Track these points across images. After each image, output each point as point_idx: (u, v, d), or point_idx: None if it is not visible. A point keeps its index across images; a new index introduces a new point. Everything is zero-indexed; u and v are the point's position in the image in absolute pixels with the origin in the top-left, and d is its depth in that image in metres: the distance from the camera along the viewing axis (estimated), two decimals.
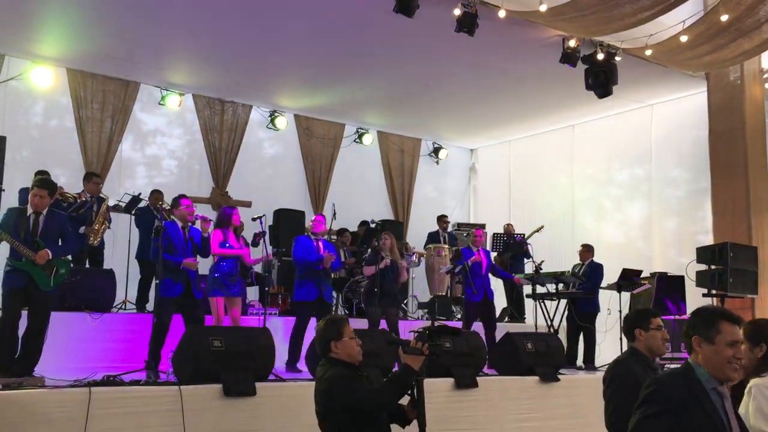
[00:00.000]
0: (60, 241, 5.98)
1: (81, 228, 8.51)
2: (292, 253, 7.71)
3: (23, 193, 8.03)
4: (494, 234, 11.71)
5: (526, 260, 11.14)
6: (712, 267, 8.65)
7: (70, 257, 6.13)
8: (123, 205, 9.02)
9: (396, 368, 4.40)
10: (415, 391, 3.66)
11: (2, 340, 5.66)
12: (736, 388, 3.80)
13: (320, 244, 7.68)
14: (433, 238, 11.77)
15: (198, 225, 6.86)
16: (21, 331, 5.81)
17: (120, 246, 9.07)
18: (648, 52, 8.46)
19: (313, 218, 7.93)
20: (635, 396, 2.84)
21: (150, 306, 8.31)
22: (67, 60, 10.04)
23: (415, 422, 3.67)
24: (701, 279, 8.77)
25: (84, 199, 8.48)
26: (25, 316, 5.87)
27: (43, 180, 6.06)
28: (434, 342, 3.71)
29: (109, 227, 8.86)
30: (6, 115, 9.87)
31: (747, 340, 3.41)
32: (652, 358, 3.87)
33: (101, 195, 8.96)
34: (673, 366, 4.20)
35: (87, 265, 8.66)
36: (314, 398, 3.77)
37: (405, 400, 3.78)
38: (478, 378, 6.90)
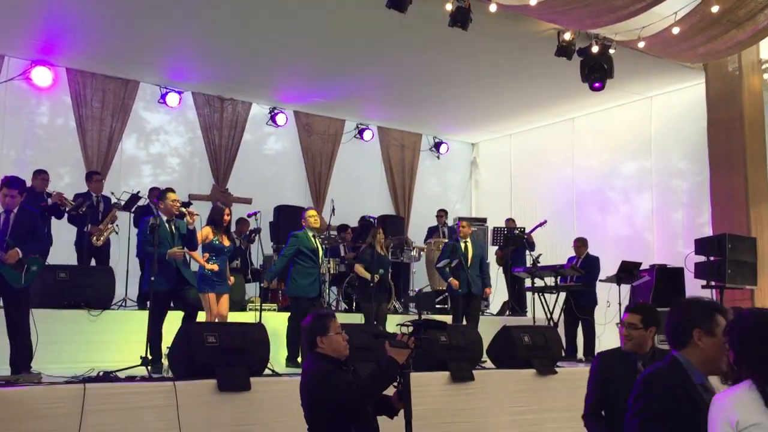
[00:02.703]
0: (32, 239, 5.98)
1: (86, 226, 8.61)
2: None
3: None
4: (494, 228, 11.73)
5: (528, 253, 11.15)
6: (711, 258, 8.64)
7: (39, 256, 6.13)
8: (122, 203, 9.08)
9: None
10: (401, 383, 3.70)
11: None
12: None
13: (317, 240, 7.74)
14: (432, 232, 11.81)
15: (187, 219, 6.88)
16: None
17: (120, 244, 9.15)
18: (641, 44, 8.45)
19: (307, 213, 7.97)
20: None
21: None
22: (67, 59, 10.12)
23: (401, 414, 3.72)
24: (700, 270, 8.75)
25: (81, 198, 8.53)
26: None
27: (11, 179, 6.01)
28: (419, 335, 3.75)
29: (116, 232, 8.95)
30: (7, 115, 9.98)
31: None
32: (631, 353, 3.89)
33: (109, 195, 9.03)
34: None
35: (93, 264, 8.76)
36: (300, 393, 3.83)
37: (392, 392, 3.82)
38: (474, 371, 6.94)
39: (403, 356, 3.63)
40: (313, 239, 7.73)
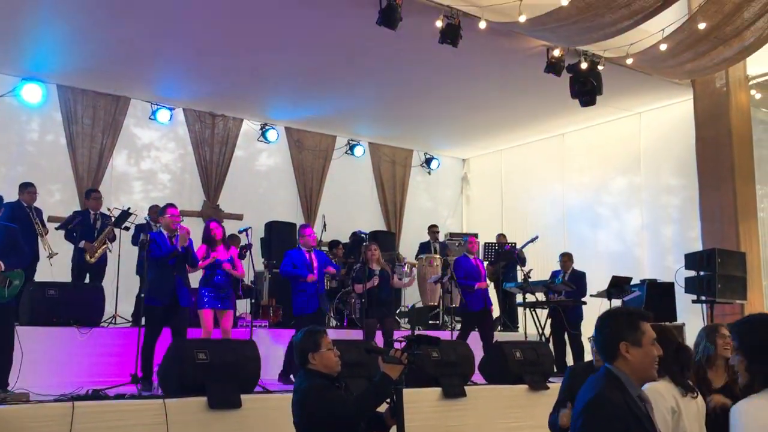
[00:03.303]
0: (12, 254, 5.93)
1: (80, 243, 8.58)
2: (280, 267, 7.75)
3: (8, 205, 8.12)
4: (485, 243, 11.74)
5: (519, 269, 11.17)
6: (701, 273, 8.68)
7: (21, 270, 6.10)
8: (113, 219, 9.04)
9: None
10: (394, 399, 3.69)
11: None
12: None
13: (313, 255, 7.71)
14: (424, 248, 11.81)
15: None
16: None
17: (112, 260, 9.12)
18: (629, 61, 8.53)
19: (303, 230, 7.95)
20: None
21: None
22: (58, 76, 10.11)
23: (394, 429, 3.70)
24: (690, 285, 8.78)
25: (72, 214, 8.52)
26: None
27: None
28: (413, 351, 3.74)
29: (110, 250, 8.92)
30: None
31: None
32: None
33: (105, 212, 9.00)
34: None
35: (87, 281, 8.71)
36: (291, 410, 3.80)
37: (384, 409, 3.81)
38: (466, 387, 6.92)
39: (397, 372, 3.62)
40: (307, 256, 7.70)
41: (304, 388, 3.68)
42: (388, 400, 3.69)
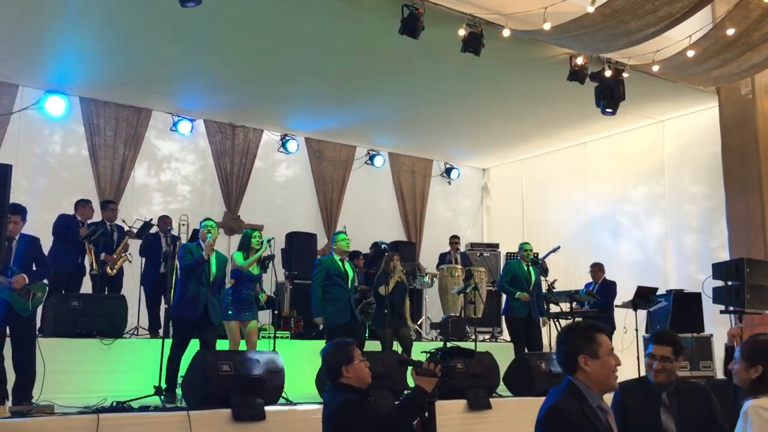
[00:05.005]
0: (34, 265, 6.02)
1: (101, 255, 8.62)
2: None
3: (59, 219, 8.49)
4: (507, 253, 11.64)
5: (543, 279, 11.05)
6: (729, 283, 8.51)
7: (46, 281, 6.14)
8: (134, 230, 9.07)
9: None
10: (426, 413, 3.61)
11: None
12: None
13: (345, 264, 7.66)
14: (444, 258, 11.73)
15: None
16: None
17: (133, 272, 9.13)
18: (655, 68, 8.42)
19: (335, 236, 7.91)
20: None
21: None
22: (80, 88, 10.18)
23: None
24: (718, 295, 8.60)
25: (94, 226, 8.55)
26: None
27: (14, 206, 5.99)
28: (447, 363, 3.65)
29: (130, 260, 8.96)
30: (21, 144, 9.99)
31: (743, 359, 3.26)
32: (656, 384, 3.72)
33: (120, 224, 9.05)
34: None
35: (106, 292, 8.73)
36: (322, 425, 3.72)
37: (415, 422, 3.73)
38: (491, 399, 6.83)
39: (431, 385, 3.53)
40: (340, 263, 7.64)
41: (337, 404, 3.59)
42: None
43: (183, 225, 8.80)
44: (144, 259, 9.02)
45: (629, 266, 11.50)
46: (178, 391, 6.25)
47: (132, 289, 8.91)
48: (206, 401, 5.44)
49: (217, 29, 8.15)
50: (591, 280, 9.75)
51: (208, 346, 6.64)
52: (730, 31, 7.39)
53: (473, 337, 9.87)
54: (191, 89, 10.45)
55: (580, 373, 2.79)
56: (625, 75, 8.75)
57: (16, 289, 5.73)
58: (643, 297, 8.96)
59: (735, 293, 8.39)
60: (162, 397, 6.05)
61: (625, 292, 9.37)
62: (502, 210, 14.53)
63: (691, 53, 7.91)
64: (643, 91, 9.53)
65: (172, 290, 6.82)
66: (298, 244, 10.98)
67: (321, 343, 8.40)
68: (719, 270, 8.65)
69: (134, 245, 9.14)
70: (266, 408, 5.56)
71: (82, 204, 8.84)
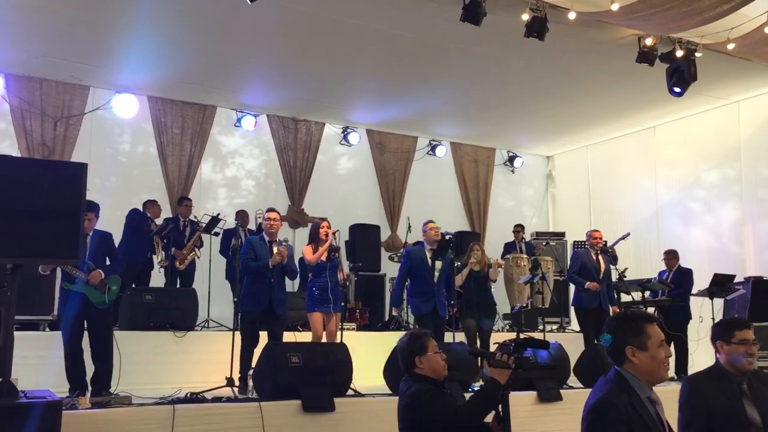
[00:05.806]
0: (108, 260, 6.22)
1: (171, 249, 8.86)
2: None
3: (133, 213, 8.86)
4: (575, 242, 11.40)
5: (613, 268, 10.77)
6: None
7: (117, 276, 6.32)
8: (203, 225, 9.27)
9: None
10: (500, 405, 3.55)
11: (74, 363, 5.91)
12: None
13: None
14: (509, 248, 11.57)
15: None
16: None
17: (203, 266, 9.34)
18: (731, 46, 8.05)
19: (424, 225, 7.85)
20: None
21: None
22: (148, 88, 10.44)
23: None
24: None
25: (165, 222, 8.79)
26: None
27: (88, 202, 6.16)
28: (520, 354, 3.58)
29: (198, 256, 9.17)
30: (93, 143, 10.32)
31: None
32: (735, 374, 3.61)
33: (193, 219, 9.28)
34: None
35: (178, 286, 8.98)
36: (398, 415, 3.70)
37: (489, 415, 3.67)
38: (562, 391, 6.70)
39: (505, 376, 3.46)
40: (427, 254, 7.59)
41: (413, 393, 3.58)
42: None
43: (259, 219, 8.97)
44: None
45: (702, 253, 11.09)
46: (250, 382, 6.34)
47: (203, 283, 9.11)
48: (277, 392, 5.50)
49: (280, 24, 8.20)
50: (663, 268, 9.42)
51: (276, 337, 6.71)
52: None
53: (541, 327, 9.70)
54: (254, 85, 10.57)
55: (628, 365, 2.72)
56: (697, 55, 8.40)
57: (93, 283, 5.92)
58: (720, 285, 8.63)
59: None
60: (234, 388, 6.15)
61: (698, 281, 9.04)
62: (567, 198, 14.23)
63: None
64: (716, 71, 9.15)
65: (239, 284, 6.91)
66: (362, 235, 11.02)
67: (387, 335, 8.48)
68: None
69: (211, 242, 9.34)
70: (335, 399, 5.59)
71: (150, 203, 9.15)
